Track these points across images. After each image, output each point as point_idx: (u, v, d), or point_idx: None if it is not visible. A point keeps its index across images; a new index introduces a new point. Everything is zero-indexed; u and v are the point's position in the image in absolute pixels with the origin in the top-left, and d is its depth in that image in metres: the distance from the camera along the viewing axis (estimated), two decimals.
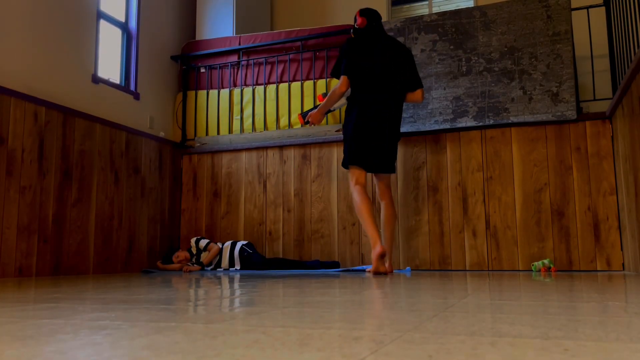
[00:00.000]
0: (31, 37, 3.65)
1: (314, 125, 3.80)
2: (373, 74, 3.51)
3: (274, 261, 4.19)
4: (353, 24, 3.79)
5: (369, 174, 4.03)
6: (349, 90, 3.60)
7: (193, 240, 4.45)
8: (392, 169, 3.60)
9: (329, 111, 3.94)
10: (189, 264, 4.36)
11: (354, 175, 3.53)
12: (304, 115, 3.96)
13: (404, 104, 4.11)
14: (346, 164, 3.56)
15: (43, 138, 3.63)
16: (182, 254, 4.36)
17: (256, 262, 4.22)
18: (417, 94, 3.64)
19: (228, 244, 4.40)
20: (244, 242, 4.37)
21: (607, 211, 3.75)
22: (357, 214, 3.48)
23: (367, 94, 3.51)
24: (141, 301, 1.55)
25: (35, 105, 3.58)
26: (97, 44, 4.29)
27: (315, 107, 4.01)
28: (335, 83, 4.38)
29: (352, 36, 3.66)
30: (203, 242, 4.40)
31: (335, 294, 1.75)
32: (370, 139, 3.49)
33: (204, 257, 4.34)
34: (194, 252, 4.41)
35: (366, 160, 3.51)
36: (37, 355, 0.71)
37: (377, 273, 3.31)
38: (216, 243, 4.43)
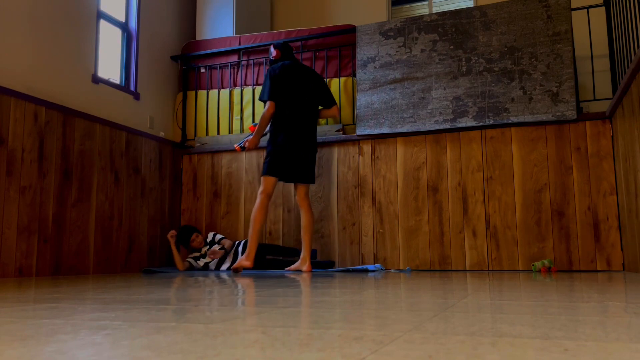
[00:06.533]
0: (31, 37, 3.65)
1: (251, 149, 4.03)
2: (295, 96, 3.91)
3: (274, 261, 4.18)
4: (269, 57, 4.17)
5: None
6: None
7: (211, 234, 4.51)
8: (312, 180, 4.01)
9: (263, 135, 4.11)
10: (197, 253, 4.44)
11: (269, 184, 3.85)
12: (240, 144, 4.04)
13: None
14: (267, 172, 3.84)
15: (43, 138, 3.63)
16: (198, 238, 4.46)
17: (256, 262, 4.21)
18: (333, 109, 4.14)
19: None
20: (242, 242, 4.38)
21: (607, 211, 3.75)
22: (253, 220, 3.79)
23: (291, 114, 3.88)
24: (141, 301, 1.55)
25: (35, 105, 3.58)
26: (97, 44, 4.28)
27: (249, 135, 4.12)
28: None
29: (274, 64, 4.02)
30: (218, 237, 4.50)
31: (335, 294, 1.75)
32: (294, 152, 3.86)
33: (224, 243, 4.37)
34: (208, 241, 4.48)
35: (288, 172, 3.87)
36: (37, 355, 0.71)
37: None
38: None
